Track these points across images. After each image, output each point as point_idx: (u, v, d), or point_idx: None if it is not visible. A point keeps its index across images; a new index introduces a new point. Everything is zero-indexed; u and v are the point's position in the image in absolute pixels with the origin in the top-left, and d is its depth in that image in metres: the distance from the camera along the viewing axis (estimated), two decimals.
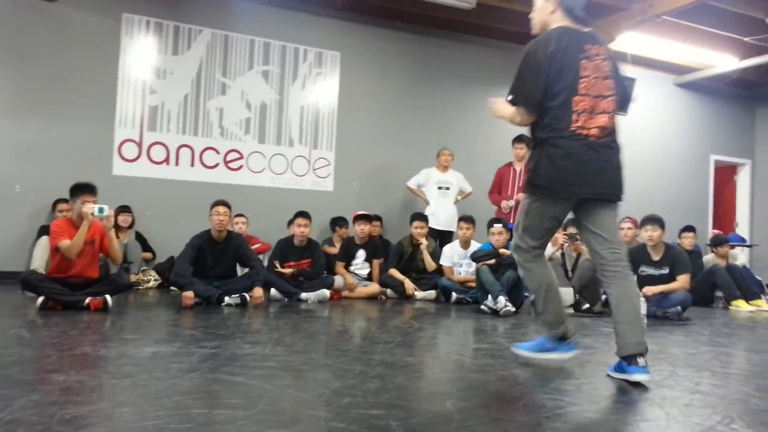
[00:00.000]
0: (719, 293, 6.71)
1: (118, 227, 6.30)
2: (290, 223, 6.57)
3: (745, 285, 6.51)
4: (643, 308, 4.91)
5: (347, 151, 7.91)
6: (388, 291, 6.25)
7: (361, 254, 6.44)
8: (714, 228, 10.06)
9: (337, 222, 7.16)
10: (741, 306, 6.30)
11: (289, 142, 7.70)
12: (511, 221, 6.66)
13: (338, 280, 6.05)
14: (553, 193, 2.73)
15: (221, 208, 5.19)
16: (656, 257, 5.33)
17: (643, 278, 5.29)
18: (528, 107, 2.74)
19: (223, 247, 5.26)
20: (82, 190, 4.50)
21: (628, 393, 2.46)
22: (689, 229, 7.19)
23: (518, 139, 6.87)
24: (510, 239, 5.59)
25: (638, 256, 5.39)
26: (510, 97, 2.77)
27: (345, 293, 6.05)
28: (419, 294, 6.13)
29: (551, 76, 2.66)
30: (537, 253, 2.86)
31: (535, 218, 2.82)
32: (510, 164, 6.95)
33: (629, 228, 6.13)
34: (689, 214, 9.85)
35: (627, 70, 8.86)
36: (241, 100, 7.49)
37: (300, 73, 7.78)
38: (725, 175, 10.83)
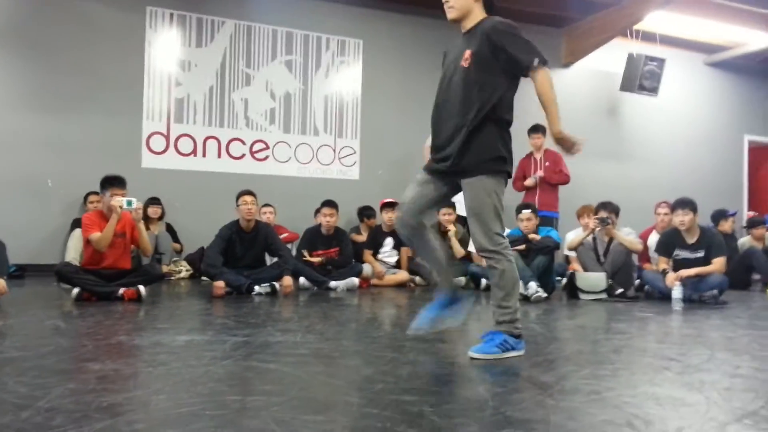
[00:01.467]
0: (756, 276, 6.55)
1: (148, 219, 6.38)
2: (317, 212, 6.58)
3: None
4: (679, 292, 4.84)
5: (372, 139, 7.89)
6: (417, 278, 6.24)
7: (389, 242, 6.42)
8: (749, 210, 9.81)
9: (365, 212, 7.15)
10: None
11: (314, 132, 7.70)
12: (537, 206, 6.61)
13: (367, 268, 6.05)
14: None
15: (248, 197, 5.23)
16: (691, 240, 5.20)
17: (679, 262, 5.18)
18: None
19: (252, 236, 5.29)
20: (111, 183, 4.57)
21: (666, 377, 2.40)
22: (726, 215, 7.06)
23: (534, 128, 6.82)
24: (539, 224, 5.55)
25: (672, 239, 5.28)
26: (537, 61, 2.62)
27: (374, 281, 6.05)
28: None
29: None
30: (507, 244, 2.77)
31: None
32: (530, 155, 6.93)
33: (666, 213, 5.98)
34: (723, 196, 9.61)
35: (656, 50, 8.69)
36: (265, 90, 7.50)
37: (323, 62, 7.76)
38: (760, 156, 10.54)
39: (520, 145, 7.09)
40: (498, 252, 2.68)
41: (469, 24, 2.77)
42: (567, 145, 2.72)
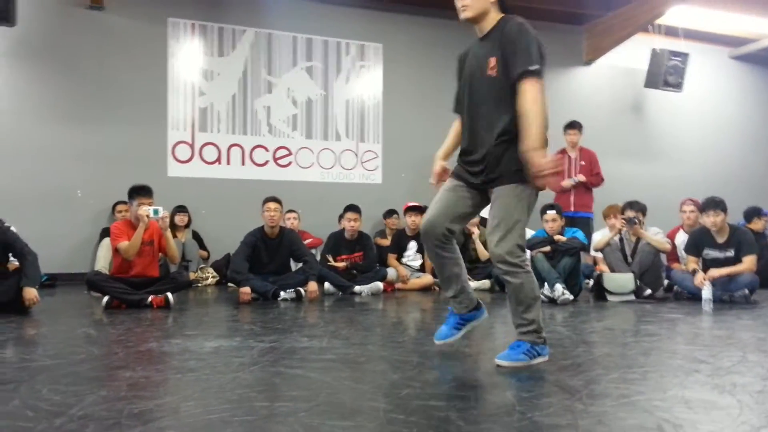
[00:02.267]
0: None
1: (175, 227, 6.48)
2: (341, 217, 6.61)
3: None
4: (708, 292, 4.76)
5: (394, 143, 7.90)
6: None
7: (412, 246, 6.43)
8: None
9: (388, 215, 7.19)
10: None
11: (336, 137, 7.74)
12: (572, 208, 6.56)
13: (391, 273, 6.06)
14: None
15: (272, 204, 5.28)
16: (721, 240, 5.11)
17: (709, 261, 5.09)
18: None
19: (277, 243, 5.33)
20: (138, 192, 4.65)
21: (697, 380, 2.36)
22: (761, 213, 6.91)
23: (571, 125, 6.76)
24: (564, 225, 5.49)
25: (702, 238, 5.19)
26: (531, 69, 2.46)
27: (398, 285, 6.05)
28: (473, 284, 6.06)
29: None
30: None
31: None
32: (563, 151, 6.83)
33: (692, 211, 5.88)
34: (751, 193, 9.39)
35: (679, 45, 8.56)
36: (287, 97, 7.56)
37: (343, 67, 7.80)
38: None
39: (553, 140, 7.10)
40: (517, 265, 2.56)
41: (486, 26, 2.63)
42: (536, 168, 2.42)
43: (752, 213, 6.95)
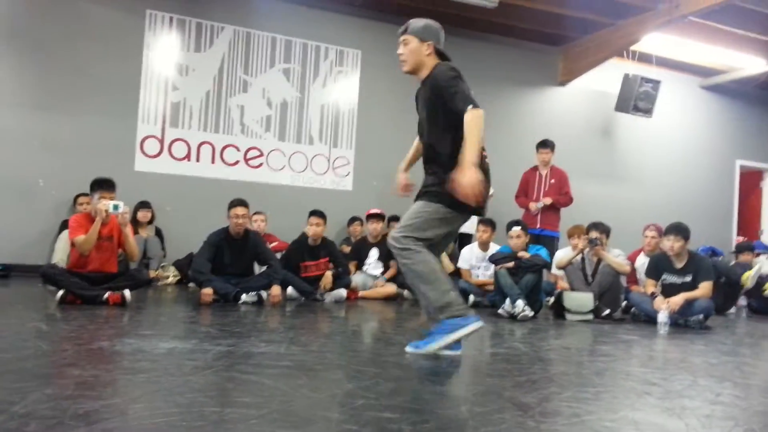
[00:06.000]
0: (743, 301, 6.57)
1: (137, 223, 6.36)
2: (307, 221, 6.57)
3: None
4: (664, 316, 4.85)
5: (367, 151, 7.90)
6: (405, 292, 6.22)
7: (373, 253, 6.42)
8: (738, 235, 9.87)
9: (350, 222, 7.20)
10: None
11: (309, 140, 7.71)
12: (538, 225, 6.62)
13: (355, 280, 6.04)
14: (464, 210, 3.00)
15: (239, 210, 5.16)
16: (679, 265, 5.22)
17: (667, 286, 5.19)
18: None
19: (241, 245, 5.26)
20: (100, 185, 4.55)
21: (647, 402, 2.40)
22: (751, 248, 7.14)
23: (543, 144, 6.86)
24: (529, 242, 5.55)
25: (661, 263, 5.29)
26: (470, 107, 2.86)
27: (362, 293, 6.03)
28: None
29: None
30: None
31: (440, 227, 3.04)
32: (535, 168, 6.92)
33: (653, 237, 6.02)
34: (714, 220, 9.69)
35: (651, 72, 8.77)
36: (262, 97, 7.51)
37: (321, 71, 7.79)
38: (751, 181, 10.62)
39: (525, 158, 7.21)
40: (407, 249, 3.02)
41: (423, 74, 3.08)
42: (465, 180, 2.76)
43: (744, 247, 7.13)
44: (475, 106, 2.86)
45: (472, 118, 2.84)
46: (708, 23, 7.71)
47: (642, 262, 5.97)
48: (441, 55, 3.09)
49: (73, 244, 4.53)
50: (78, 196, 6.29)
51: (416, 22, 3.10)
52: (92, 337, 3.13)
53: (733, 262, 7.22)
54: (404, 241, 2.97)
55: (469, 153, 2.80)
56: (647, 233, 6.12)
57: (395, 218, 7.32)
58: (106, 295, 4.36)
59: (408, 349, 3.04)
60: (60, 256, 5.67)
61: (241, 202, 5.22)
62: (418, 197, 3.10)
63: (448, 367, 2.84)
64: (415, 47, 3.06)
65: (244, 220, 5.19)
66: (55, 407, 1.88)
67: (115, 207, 4.48)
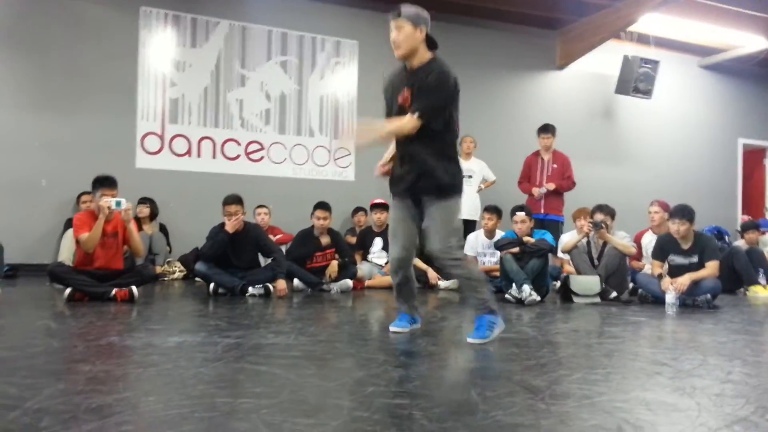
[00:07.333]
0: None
1: (139, 219, 6.36)
2: (313, 214, 6.57)
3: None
4: (672, 296, 4.84)
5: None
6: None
7: (378, 242, 6.42)
8: (743, 213, 9.84)
9: (354, 212, 7.19)
10: (759, 292, 6.13)
11: (310, 133, 7.70)
12: (542, 210, 6.61)
13: (361, 270, 6.04)
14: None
15: (232, 208, 5.11)
16: (685, 246, 5.20)
17: (674, 267, 5.18)
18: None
19: (241, 237, 5.22)
20: (102, 183, 4.55)
21: (658, 382, 2.40)
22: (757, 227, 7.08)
23: (544, 129, 6.82)
24: (534, 227, 5.54)
25: (667, 244, 5.27)
26: (417, 114, 3.03)
27: (368, 283, 6.04)
28: (442, 283, 6.10)
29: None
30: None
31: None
32: (537, 153, 6.90)
33: (656, 212, 6.03)
34: (718, 199, 9.66)
35: (650, 52, 8.71)
36: (260, 91, 7.49)
37: (318, 63, 7.76)
38: (754, 159, 10.59)
39: (527, 144, 7.18)
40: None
41: (415, 63, 3.12)
42: (361, 135, 3.25)
43: (749, 226, 7.09)
44: (422, 119, 3.01)
45: (409, 121, 3.01)
46: (705, 1, 7.64)
47: (649, 239, 5.97)
48: (430, 41, 3.14)
49: (78, 242, 4.54)
50: (81, 194, 6.29)
51: (409, 7, 3.12)
52: (101, 333, 3.14)
53: (739, 241, 7.20)
54: (456, 253, 3.10)
55: (392, 126, 3.09)
56: (651, 209, 6.13)
57: None
58: (114, 291, 4.37)
59: (471, 340, 3.06)
60: (66, 254, 5.68)
61: (233, 200, 5.15)
62: (421, 195, 3.18)
63: (457, 353, 2.84)
64: (409, 32, 3.08)
65: (240, 216, 5.15)
66: (68, 402, 1.88)
67: (118, 204, 4.49)
